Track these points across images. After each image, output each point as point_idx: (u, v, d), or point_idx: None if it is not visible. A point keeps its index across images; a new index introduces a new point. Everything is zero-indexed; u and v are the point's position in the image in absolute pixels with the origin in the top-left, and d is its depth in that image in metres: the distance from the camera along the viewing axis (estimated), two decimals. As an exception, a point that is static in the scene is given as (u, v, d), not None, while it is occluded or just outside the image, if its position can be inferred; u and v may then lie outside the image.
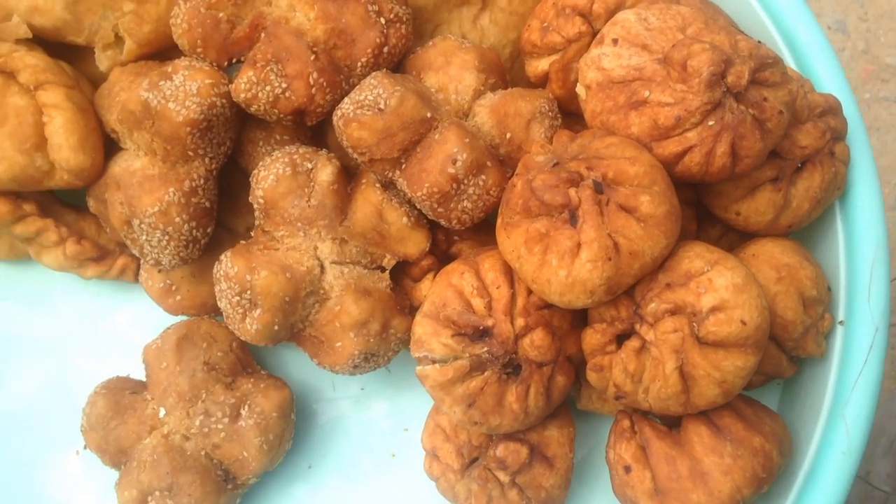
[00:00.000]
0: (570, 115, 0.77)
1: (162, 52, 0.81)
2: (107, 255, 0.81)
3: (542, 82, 0.78)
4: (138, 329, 0.83)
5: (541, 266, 0.65)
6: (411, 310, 0.75)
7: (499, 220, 0.69)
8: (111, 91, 0.77)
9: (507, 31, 0.81)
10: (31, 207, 0.79)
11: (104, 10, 0.77)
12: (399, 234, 0.73)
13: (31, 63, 0.75)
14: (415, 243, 0.74)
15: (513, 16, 0.81)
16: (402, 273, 0.76)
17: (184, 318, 0.79)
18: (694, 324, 0.64)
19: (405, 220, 0.73)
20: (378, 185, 0.73)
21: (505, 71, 0.78)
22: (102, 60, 0.79)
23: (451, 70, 0.74)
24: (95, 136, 0.76)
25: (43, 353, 0.83)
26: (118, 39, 0.79)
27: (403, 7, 0.74)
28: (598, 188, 0.64)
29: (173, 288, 0.77)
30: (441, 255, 0.77)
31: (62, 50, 0.80)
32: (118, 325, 0.84)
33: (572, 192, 0.64)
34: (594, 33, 0.73)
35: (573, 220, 0.63)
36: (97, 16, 0.77)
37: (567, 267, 0.63)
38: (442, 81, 0.74)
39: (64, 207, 0.82)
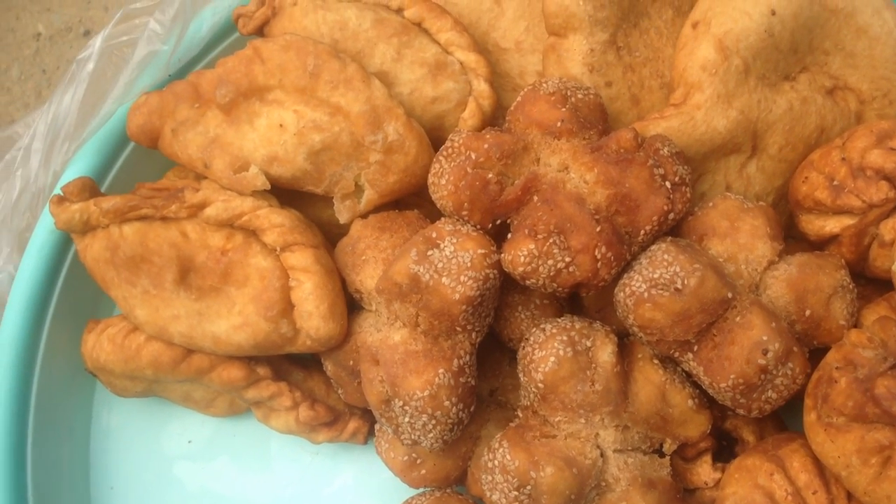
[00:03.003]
0: (855, 276, 0.70)
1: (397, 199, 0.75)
2: (338, 418, 0.75)
3: (823, 242, 0.71)
4: (361, 494, 0.78)
5: (878, 480, 0.58)
6: (684, 493, 0.69)
7: (811, 416, 0.62)
8: (355, 248, 0.71)
9: (772, 178, 0.75)
10: (264, 371, 0.73)
11: (348, 160, 0.71)
12: (682, 417, 0.67)
13: (277, 223, 0.69)
14: (696, 426, 0.67)
15: (781, 163, 0.74)
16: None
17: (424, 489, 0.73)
18: None
19: (690, 402, 0.66)
20: (657, 361, 0.67)
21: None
22: (342, 212, 0.73)
23: (739, 237, 0.67)
24: (342, 301, 0.70)
25: (260, 517, 0.78)
26: (356, 188, 0.73)
27: (685, 167, 0.67)
28: (955, 400, 0.57)
29: (418, 461, 0.71)
30: (715, 431, 0.70)
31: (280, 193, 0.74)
32: (339, 489, 0.78)
33: (923, 402, 0.57)
34: (900, 198, 0.67)
35: (925, 434, 0.57)
36: (340, 166, 0.71)
37: (916, 486, 0.56)
38: (730, 250, 0.67)
39: (292, 365, 0.76)
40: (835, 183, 0.69)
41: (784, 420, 0.72)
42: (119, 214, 0.71)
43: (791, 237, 0.77)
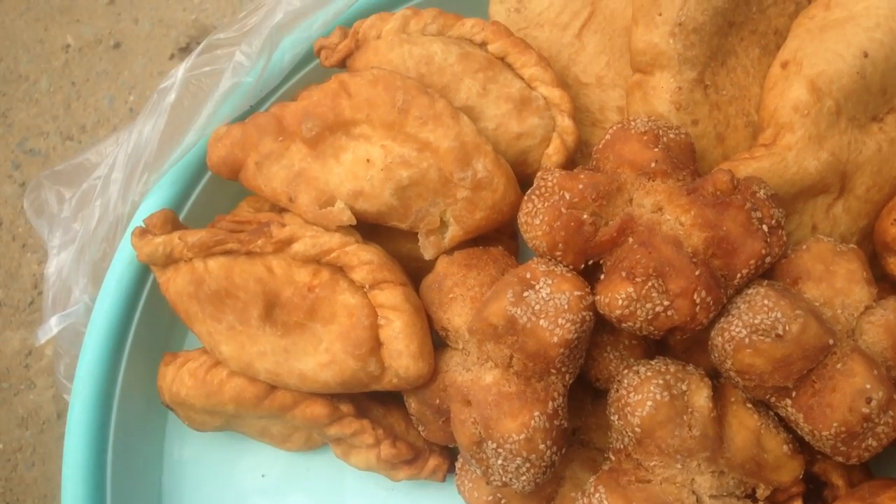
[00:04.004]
0: (944, 321, 0.70)
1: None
2: (419, 455, 0.74)
3: (912, 284, 0.71)
4: (438, 530, 0.77)
5: None
6: (773, 538, 0.68)
7: (913, 464, 0.62)
8: (441, 286, 0.71)
9: (858, 219, 0.74)
10: (347, 408, 0.72)
11: (435, 196, 0.71)
12: (776, 462, 0.66)
13: (366, 260, 0.69)
14: (790, 471, 0.67)
15: (867, 204, 0.74)
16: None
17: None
18: None
19: (785, 447, 0.66)
20: (750, 405, 0.66)
21: (870, 270, 0.71)
22: (427, 248, 0.72)
23: (836, 282, 0.67)
24: (429, 340, 0.70)
25: (335, 554, 0.77)
26: (441, 224, 0.72)
27: (780, 210, 0.67)
28: None
29: (502, 502, 0.70)
30: (804, 474, 0.69)
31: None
32: (415, 525, 0.77)
33: None
34: None
35: None
36: (426, 202, 0.71)
37: None
38: (826, 295, 0.66)
39: (372, 402, 0.75)
40: (928, 227, 0.68)
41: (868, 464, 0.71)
42: (204, 249, 0.70)
43: (871, 277, 0.76)
